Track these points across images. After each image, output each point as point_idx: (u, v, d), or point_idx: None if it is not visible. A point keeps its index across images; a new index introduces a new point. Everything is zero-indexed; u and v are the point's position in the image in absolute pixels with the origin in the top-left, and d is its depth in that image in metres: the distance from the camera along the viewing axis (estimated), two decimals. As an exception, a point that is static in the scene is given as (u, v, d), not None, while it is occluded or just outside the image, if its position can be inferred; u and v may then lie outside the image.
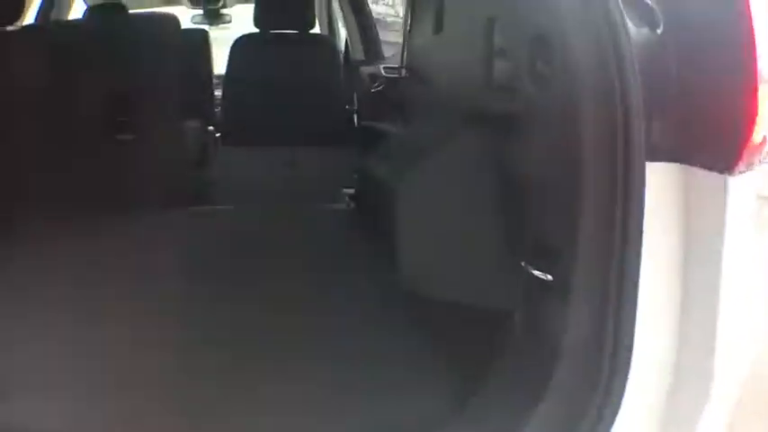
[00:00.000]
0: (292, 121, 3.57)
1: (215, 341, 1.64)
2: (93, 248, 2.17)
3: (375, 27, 3.90)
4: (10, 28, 2.64)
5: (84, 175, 2.47)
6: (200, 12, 5.21)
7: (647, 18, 0.98)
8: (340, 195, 2.82)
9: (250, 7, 5.12)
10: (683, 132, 0.98)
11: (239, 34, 5.25)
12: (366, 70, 3.67)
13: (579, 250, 1.00)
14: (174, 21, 2.35)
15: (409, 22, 2.40)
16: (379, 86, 3.41)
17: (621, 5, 0.95)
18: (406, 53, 2.44)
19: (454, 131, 1.87)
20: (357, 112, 3.77)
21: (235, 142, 3.41)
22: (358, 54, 3.89)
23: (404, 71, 2.39)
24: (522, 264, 1.15)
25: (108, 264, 2.09)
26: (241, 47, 3.62)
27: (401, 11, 4.21)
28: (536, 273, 1.10)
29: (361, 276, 1.98)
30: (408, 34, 2.41)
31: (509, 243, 1.55)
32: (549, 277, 1.07)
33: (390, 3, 6.76)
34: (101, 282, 1.96)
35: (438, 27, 2.03)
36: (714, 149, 0.97)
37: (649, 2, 0.98)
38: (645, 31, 0.98)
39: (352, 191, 2.80)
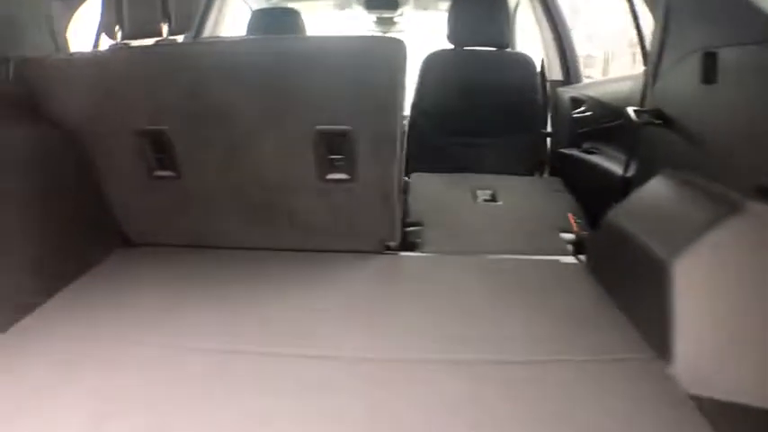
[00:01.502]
0: (488, 145, 3.45)
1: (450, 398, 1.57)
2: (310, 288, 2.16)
3: (574, 47, 3.69)
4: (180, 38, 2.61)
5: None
6: (374, 18, 5.18)
7: None
8: (556, 239, 2.59)
9: (422, 14, 5.10)
10: None
11: (411, 41, 5.29)
12: (566, 92, 3.48)
13: None
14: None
15: (654, 63, 2.18)
16: (585, 112, 3.21)
17: None
18: (650, 94, 2.22)
19: (738, 206, 1.66)
20: (552, 136, 3.60)
21: (423, 168, 3.26)
22: (554, 74, 3.70)
23: (645, 114, 2.17)
24: None
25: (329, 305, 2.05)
26: (432, 64, 3.48)
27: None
28: None
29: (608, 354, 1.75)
30: (653, 76, 2.19)
31: None
32: None
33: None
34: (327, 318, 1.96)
35: (709, 77, 1.81)
36: None
37: None
38: None
39: (572, 236, 2.61)
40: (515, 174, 3.31)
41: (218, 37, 3.99)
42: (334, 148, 2.21)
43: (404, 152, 2.32)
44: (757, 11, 1.63)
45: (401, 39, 2.09)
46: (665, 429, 1.45)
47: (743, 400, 1.52)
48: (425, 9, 4.92)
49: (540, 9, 3.78)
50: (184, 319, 1.95)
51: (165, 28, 2.19)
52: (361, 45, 2.16)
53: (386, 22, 5.30)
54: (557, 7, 3.74)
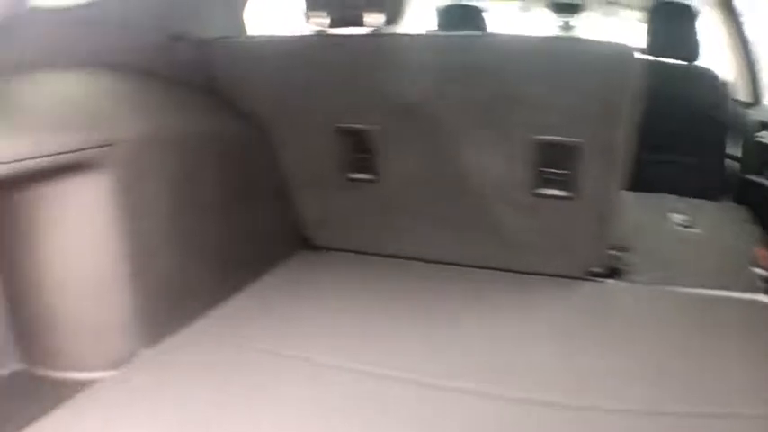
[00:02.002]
0: (666, 162, 3.38)
1: None
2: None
3: (759, 65, 3.57)
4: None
5: None
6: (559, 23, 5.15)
7: None
8: (749, 277, 2.39)
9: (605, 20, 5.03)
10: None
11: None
12: (756, 115, 3.39)
13: None
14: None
15: None
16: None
17: None
18: None
19: None
20: (739, 161, 3.47)
21: None
22: (741, 94, 3.57)
23: None
24: None
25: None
26: None
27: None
28: None
29: None
30: None
31: None
32: None
33: None
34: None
35: None
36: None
37: None
38: None
39: (764, 273, 2.41)
40: (700, 196, 3.22)
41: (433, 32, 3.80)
42: (553, 160, 2.04)
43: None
44: None
45: (632, 49, 1.92)
46: None
47: None
48: (607, 15, 4.87)
49: (726, 22, 3.66)
50: (367, 337, 1.84)
51: (372, 17, 1.99)
52: (594, 50, 1.95)
53: (564, 29, 5.28)
54: (741, 22, 3.61)
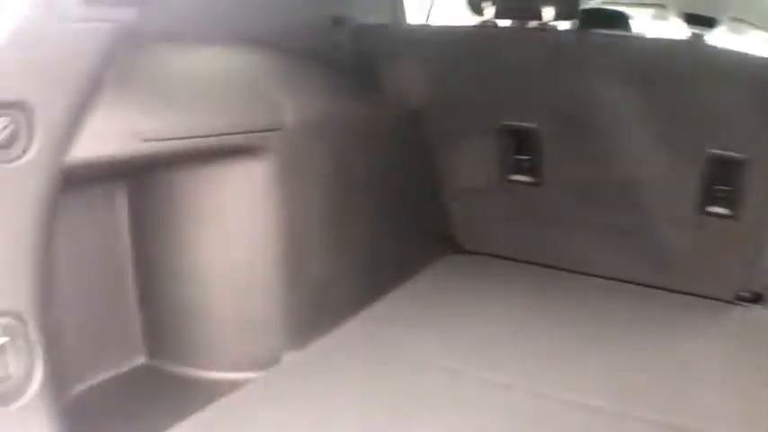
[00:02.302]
0: None
1: None
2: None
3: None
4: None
5: None
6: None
7: None
8: None
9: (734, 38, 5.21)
10: None
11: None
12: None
13: None
14: None
15: None
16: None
17: None
18: None
19: None
20: None
21: None
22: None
23: None
24: None
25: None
26: None
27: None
28: None
29: None
30: None
31: None
32: None
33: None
34: None
35: None
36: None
37: None
38: None
39: None
40: None
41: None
42: (723, 177, 1.93)
43: None
44: None
45: None
46: None
47: None
48: (737, 33, 5.10)
49: None
50: (519, 352, 1.77)
51: (546, 11, 1.88)
52: None
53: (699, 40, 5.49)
54: None
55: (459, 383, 1.59)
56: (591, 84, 1.91)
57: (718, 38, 5.13)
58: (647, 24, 5.40)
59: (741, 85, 1.77)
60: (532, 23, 1.93)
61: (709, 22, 4.96)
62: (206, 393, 1.50)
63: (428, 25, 2.51)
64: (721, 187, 1.92)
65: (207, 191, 1.57)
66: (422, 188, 2.22)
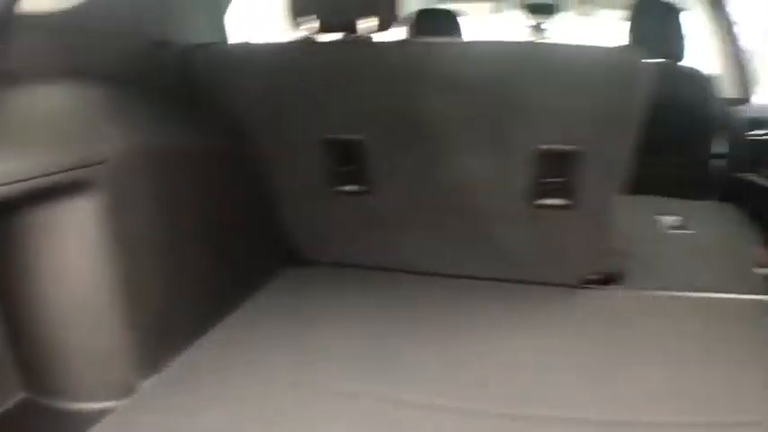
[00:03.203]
0: (656, 164, 3.30)
1: None
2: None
3: (749, 62, 3.54)
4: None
5: None
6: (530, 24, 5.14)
7: None
8: (753, 279, 2.35)
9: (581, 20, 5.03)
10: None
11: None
12: (744, 112, 3.33)
13: None
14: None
15: None
16: (766, 136, 3.06)
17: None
18: None
19: None
20: (726, 159, 3.43)
21: None
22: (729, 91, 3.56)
23: None
24: None
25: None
26: None
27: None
28: None
29: None
30: None
31: None
32: None
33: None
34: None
35: None
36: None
37: None
38: None
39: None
40: (688, 196, 3.19)
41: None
42: (555, 170, 2.00)
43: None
44: None
45: (640, 49, 1.90)
46: None
47: None
48: (586, 15, 4.85)
49: (714, 19, 3.61)
50: (372, 359, 1.79)
51: (363, 23, 1.93)
52: (602, 57, 1.88)
53: (535, 31, 5.28)
54: (731, 17, 3.57)
55: (315, 396, 1.61)
56: (413, 93, 1.95)
57: (563, 23, 4.95)
58: (484, 19, 5.16)
59: (567, 79, 1.85)
60: (353, 36, 1.98)
61: (551, 9, 4.68)
62: (72, 424, 1.54)
63: (250, 44, 2.33)
64: (555, 180, 2.00)
65: (44, 231, 1.56)
66: (259, 205, 2.28)
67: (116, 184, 1.61)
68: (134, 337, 1.67)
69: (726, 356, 1.79)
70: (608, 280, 2.32)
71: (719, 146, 3.45)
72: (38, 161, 1.42)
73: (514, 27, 5.26)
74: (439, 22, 3.74)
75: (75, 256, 1.59)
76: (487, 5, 4.92)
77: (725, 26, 3.56)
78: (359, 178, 2.18)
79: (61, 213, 1.55)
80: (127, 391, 1.64)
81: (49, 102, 1.58)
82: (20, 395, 1.65)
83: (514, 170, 2.02)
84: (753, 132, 3.14)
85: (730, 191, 3.31)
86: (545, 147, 1.96)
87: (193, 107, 2.08)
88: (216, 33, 2.37)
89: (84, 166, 1.52)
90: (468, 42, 2.07)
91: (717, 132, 3.41)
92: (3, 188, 1.32)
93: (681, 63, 3.34)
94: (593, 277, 2.28)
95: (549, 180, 2.02)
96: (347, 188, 2.21)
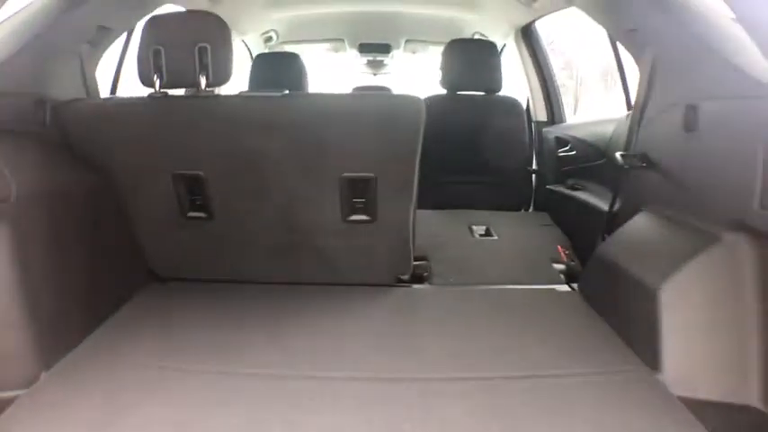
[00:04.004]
0: (480, 182, 3.68)
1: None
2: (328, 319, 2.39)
3: (559, 91, 3.99)
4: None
5: None
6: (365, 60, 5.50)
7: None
8: (550, 270, 2.85)
9: (411, 57, 5.43)
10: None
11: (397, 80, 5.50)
12: (551, 132, 3.75)
13: None
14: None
15: (640, 111, 2.46)
16: (569, 151, 3.49)
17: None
18: (635, 139, 2.49)
19: (715, 237, 1.95)
20: (536, 174, 3.87)
21: (422, 205, 3.32)
22: (539, 115, 3.99)
23: (632, 158, 2.43)
24: None
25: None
26: (429, 107, 3.61)
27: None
28: None
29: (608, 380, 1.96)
30: (638, 122, 2.46)
31: None
32: None
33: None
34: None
35: (690, 126, 2.09)
36: None
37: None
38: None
39: (563, 267, 2.87)
40: (505, 209, 3.58)
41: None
42: (358, 192, 2.41)
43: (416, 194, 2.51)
44: (734, 68, 1.90)
45: (420, 96, 2.26)
46: (660, 426, 1.71)
47: (723, 398, 1.85)
48: (414, 53, 5.23)
49: (525, 52, 4.04)
50: (222, 345, 2.16)
51: (202, 80, 2.22)
52: (386, 103, 2.32)
53: (376, 65, 5.62)
54: (543, 51, 4.01)
55: (179, 375, 1.98)
56: (243, 135, 2.30)
57: (396, 59, 5.36)
58: (324, 56, 5.47)
59: (362, 121, 2.26)
60: (195, 91, 2.26)
61: (386, 48, 5.06)
62: None
63: (111, 98, 2.78)
64: (359, 200, 2.44)
65: None
66: (125, 231, 2.59)
67: (15, 216, 1.95)
68: (30, 337, 1.96)
69: (513, 329, 2.28)
70: (416, 279, 2.80)
71: (534, 162, 3.90)
72: None
73: (354, 62, 5.62)
74: (282, 64, 3.87)
75: None
76: (327, 45, 5.21)
77: (535, 59, 4.00)
78: (203, 206, 2.49)
79: None
80: (28, 382, 1.93)
81: None
82: None
83: (328, 194, 2.41)
84: (561, 150, 3.57)
85: (542, 201, 3.74)
86: (348, 174, 2.36)
87: (69, 153, 2.36)
88: (83, 90, 2.63)
89: None
90: (286, 95, 2.31)
91: (530, 151, 3.84)
92: None
93: (499, 93, 3.71)
94: (404, 277, 2.73)
95: (355, 200, 2.44)
96: (194, 215, 2.51)
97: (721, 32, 2.03)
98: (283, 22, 4.56)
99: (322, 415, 1.78)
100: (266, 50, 4.75)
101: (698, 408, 1.77)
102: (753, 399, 1.85)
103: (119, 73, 3.25)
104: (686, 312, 1.93)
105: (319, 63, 5.71)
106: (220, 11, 3.14)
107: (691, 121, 2.10)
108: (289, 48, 4.84)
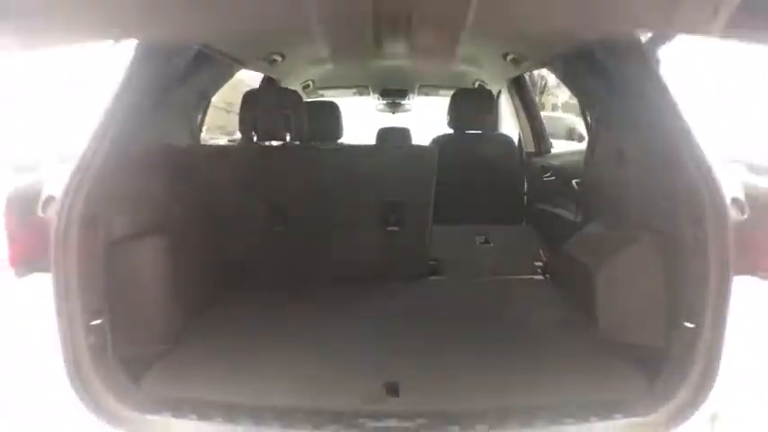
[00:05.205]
0: (481, 203, 4.58)
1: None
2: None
3: (544, 126, 4.93)
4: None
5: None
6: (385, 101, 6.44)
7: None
8: (532, 267, 3.78)
9: (425, 99, 6.41)
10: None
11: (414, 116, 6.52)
12: (537, 162, 4.63)
13: None
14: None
15: (591, 150, 3.38)
16: (551, 177, 4.34)
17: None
18: (588, 169, 3.41)
19: (636, 237, 2.75)
20: (527, 195, 4.76)
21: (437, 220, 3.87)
22: (529, 147, 4.90)
23: (584, 185, 3.42)
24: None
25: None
26: (440, 144, 4.42)
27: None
28: None
29: (562, 330, 2.80)
30: (591, 157, 3.36)
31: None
32: None
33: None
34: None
35: (620, 162, 2.94)
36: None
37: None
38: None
39: (541, 263, 3.78)
40: (501, 222, 4.48)
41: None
42: (392, 211, 3.33)
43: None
44: (650, 125, 2.53)
45: (434, 147, 3.17)
46: (595, 361, 2.49)
47: (638, 341, 2.52)
48: (427, 95, 6.26)
49: (517, 97, 4.98)
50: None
51: (287, 135, 3.20)
52: (411, 151, 3.67)
53: (395, 106, 6.60)
54: (531, 96, 5.00)
55: None
56: (317, 177, 3.27)
57: (413, 102, 6.36)
58: (352, 101, 6.41)
59: (393, 163, 3.33)
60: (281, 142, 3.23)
61: (403, 93, 6.15)
62: None
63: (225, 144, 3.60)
64: (393, 216, 3.32)
65: None
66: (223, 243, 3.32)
67: (169, 229, 2.67)
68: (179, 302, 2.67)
69: (504, 310, 3.14)
70: (432, 273, 3.67)
71: (525, 185, 4.79)
72: None
73: (377, 104, 6.59)
74: (323, 111, 4.37)
75: None
76: (354, 90, 6.20)
77: (524, 103, 4.93)
78: (281, 222, 3.37)
79: None
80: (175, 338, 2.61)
81: None
82: None
83: (372, 211, 3.33)
84: (545, 175, 4.48)
85: (531, 216, 4.64)
86: (385, 198, 3.32)
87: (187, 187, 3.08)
88: (190, 137, 3.45)
89: None
90: (340, 146, 3.37)
91: (522, 176, 4.75)
92: None
93: (495, 132, 4.68)
94: (423, 272, 3.59)
95: (390, 216, 3.36)
96: (276, 229, 3.34)
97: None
98: (320, 74, 5.34)
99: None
100: (304, 95, 5.53)
101: (624, 349, 2.50)
102: (659, 340, 2.43)
103: (202, 123, 4.12)
104: (615, 286, 2.76)
105: (347, 102, 6.62)
106: (275, 70, 4.43)
107: (620, 159, 2.96)
108: (322, 92, 5.78)
